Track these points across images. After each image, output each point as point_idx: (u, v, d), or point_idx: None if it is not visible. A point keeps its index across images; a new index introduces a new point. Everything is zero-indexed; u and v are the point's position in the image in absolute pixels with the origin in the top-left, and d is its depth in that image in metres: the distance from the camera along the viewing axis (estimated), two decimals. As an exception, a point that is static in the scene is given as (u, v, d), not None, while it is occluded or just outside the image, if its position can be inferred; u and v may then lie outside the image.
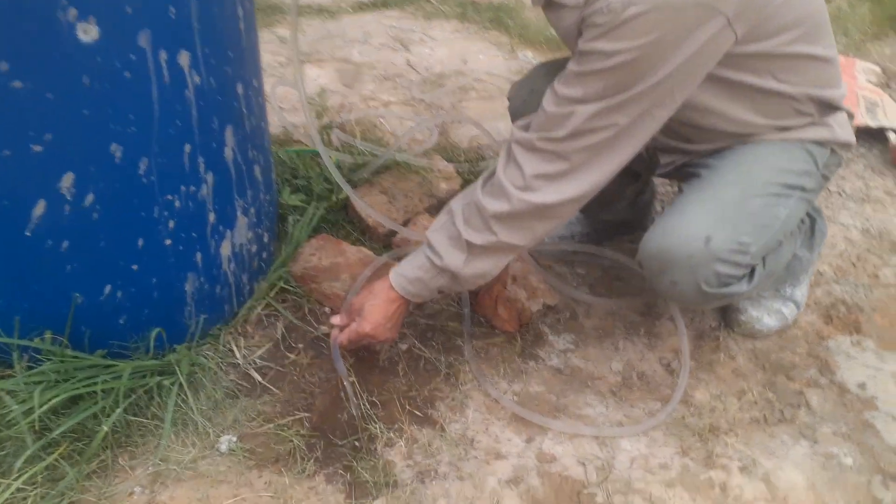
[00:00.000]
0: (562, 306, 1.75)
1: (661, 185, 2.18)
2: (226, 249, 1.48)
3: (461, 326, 1.65)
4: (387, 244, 1.86)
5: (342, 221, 1.89)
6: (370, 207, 1.80)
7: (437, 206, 1.95)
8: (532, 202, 1.29)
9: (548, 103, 1.26)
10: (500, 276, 1.61)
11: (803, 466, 1.40)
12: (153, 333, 1.38)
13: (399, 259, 1.71)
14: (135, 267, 1.33)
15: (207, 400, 1.43)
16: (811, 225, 1.63)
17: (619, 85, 1.18)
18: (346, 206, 1.91)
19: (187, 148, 1.29)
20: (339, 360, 1.46)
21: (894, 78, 2.90)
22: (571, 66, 1.22)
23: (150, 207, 1.29)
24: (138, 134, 1.21)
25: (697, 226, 1.32)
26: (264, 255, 1.63)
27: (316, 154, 1.94)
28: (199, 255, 1.42)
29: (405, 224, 1.87)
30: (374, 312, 1.45)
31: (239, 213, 1.48)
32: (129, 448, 1.35)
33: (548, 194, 1.29)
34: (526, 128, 1.31)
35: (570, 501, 1.32)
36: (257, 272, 1.62)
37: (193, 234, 1.39)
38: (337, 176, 1.75)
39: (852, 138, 1.48)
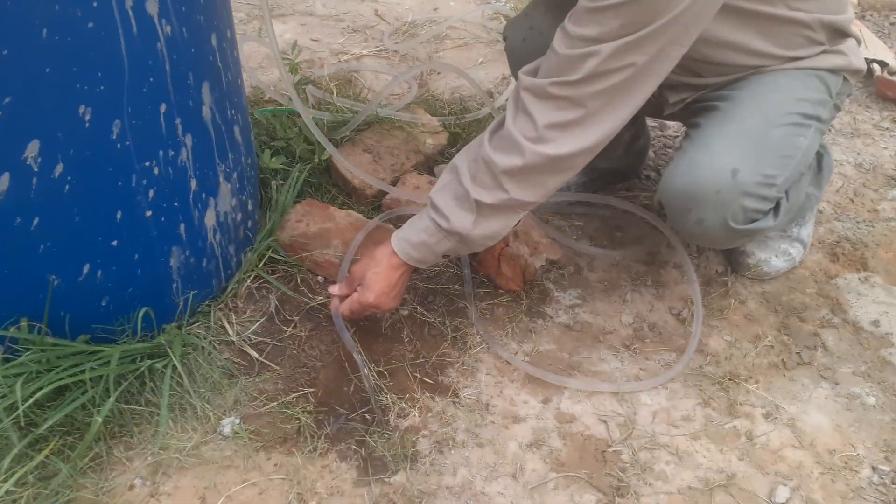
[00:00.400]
0: (564, 261, 1.68)
1: (653, 131, 2.11)
2: (210, 219, 1.37)
3: (463, 288, 1.57)
4: (376, 206, 1.76)
5: (326, 184, 1.78)
6: (357, 168, 1.70)
7: (424, 164, 1.85)
8: (546, 154, 1.21)
9: (559, 45, 1.17)
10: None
11: (827, 409, 1.37)
12: (140, 314, 1.27)
13: (391, 222, 1.62)
14: (114, 243, 1.21)
15: (204, 381, 1.34)
16: (818, 161, 1.58)
17: (637, 22, 1.09)
18: (329, 167, 1.80)
19: (163, 108, 1.17)
20: (345, 332, 1.38)
21: (870, 9, 2.86)
22: (583, 3, 1.13)
23: (127, 176, 1.17)
24: (108, 93, 1.08)
25: (723, 159, 1.26)
26: (249, 223, 1.52)
27: (293, 114, 1.82)
28: (182, 227, 1.31)
29: (393, 184, 1.77)
30: (377, 281, 1.36)
31: (221, 179, 1.37)
32: (124, 438, 1.25)
33: (563, 145, 1.21)
34: (534, 73, 1.22)
35: (596, 461, 1.27)
36: (244, 243, 1.52)
37: (175, 204, 1.27)
38: (319, 135, 1.64)
39: (863, 64, 1.43)
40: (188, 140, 1.24)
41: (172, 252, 1.31)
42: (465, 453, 1.28)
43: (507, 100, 1.29)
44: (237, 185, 1.43)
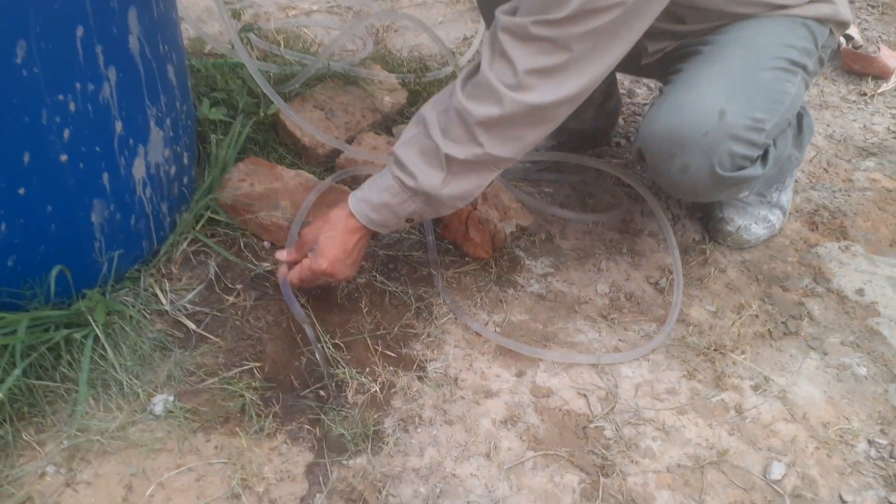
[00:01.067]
0: (534, 228, 1.56)
1: (623, 99, 2.01)
2: (139, 170, 1.19)
3: (427, 256, 1.43)
4: (329, 168, 1.61)
5: (273, 143, 1.62)
6: (307, 123, 1.54)
7: (382, 123, 1.70)
8: (527, 103, 1.08)
9: None
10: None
11: (818, 380, 1.28)
12: (53, 273, 1.09)
13: (346, 183, 1.47)
14: (21, 191, 1.03)
15: (132, 354, 1.16)
16: (799, 121, 1.50)
17: None
18: (275, 124, 1.63)
19: (79, 31, 1.00)
20: (294, 302, 1.22)
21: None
22: None
23: (36, 110, 0.99)
24: (10, 6, 0.91)
25: (710, 100, 1.16)
26: (185, 180, 1.35)
27: (235, 66, 1.65)
28: (105, 176, 1.13)
29: (348, 143, 1.61)
30: (331, 246, 1.21)
31: (152, 125, 1.19)
32: (34, 419, 1.07)
33: (545, 92, 1.08)
34: (513, 12, 1.09)
35: (577, 437, 1.15)
36: (178, 201, 1.34)
37: (97, 149, 1.10)
38: (265, 86, 1.48)
39: (850, 16, 1.35)
40: (111, 73, 1.07)
41: (94, 206, 1.13)
42: (432, 431, 1.14)
43: (476, 50, 1.16)
44: (171, 134, 1.25)
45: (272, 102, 1.57)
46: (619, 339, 1.34)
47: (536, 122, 1.12)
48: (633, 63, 1.44)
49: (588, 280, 1.46)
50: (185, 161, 1.34)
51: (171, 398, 1.12)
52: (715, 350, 1.31)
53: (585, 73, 1.09)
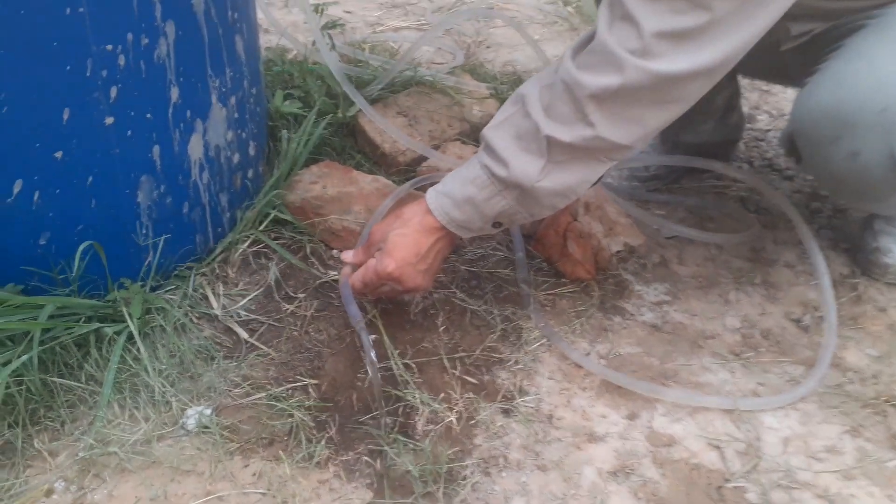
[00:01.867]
0: (645, 250, 1.32)
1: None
2: (195, 149, 1.04)
3: (516, 274, 1.22)
4: (409, 178, 1.43)
5: (350, 150, 1.46)
6: (388, 123, 1.38)
7: (470, 134, 1.53)
8: (654, 71, 0.87)
9: None
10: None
11: None
12: (80, 249, 0.93)
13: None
14: (58, 155, 0.89)
15: (170, 359, 0.99)
16: None
17: None
18: (353, 130, 1.48)
19: (138, -28, 0.87)
20: (352, 302, 1.03)
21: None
22: None
23: (80, 59, 0.86)
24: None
25: (889, 67, 0.92)
26: (250, 173, 1.20)
27: (315, 70, 1.51)
28: (156, 150, 0.99)
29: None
30: (401, 246, 1.02)
31: (214, 99, 1.05)
32: (50, 424, 0.90)
33: (676, 60, 0.87)
34: None
35: (710, 499, 0.89)
36: (241, 196, 1.19)
37: (148, 115, 0.96)
38: (345, 82, 1.34)
39: None
40: (169, 29, 0.93)
41: (141, 183, 0.99)
42: (521, 477, 0.90)
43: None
44: (235, 115, 1.11)
45: (351, 105, 1.43)
46: (758, 383, 1.07)
47: (662, 100, 0.91)
48: (769, 54, 1.21)
49: (713, 312, 1.20)
50: (252, 152, 1.19)
51: (209, 412, 0.93)
52: (886, 402, 1.03)
53: (727, 41, 0.88)
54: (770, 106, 1.91)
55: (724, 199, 1.48)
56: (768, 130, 1.79)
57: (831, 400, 1.04)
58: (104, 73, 0.88)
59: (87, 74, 0.87)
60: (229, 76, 1.07)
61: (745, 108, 1.83)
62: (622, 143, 0.93)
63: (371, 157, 1.46)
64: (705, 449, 0.96)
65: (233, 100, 1.09)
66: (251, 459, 0.89)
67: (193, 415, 0.91)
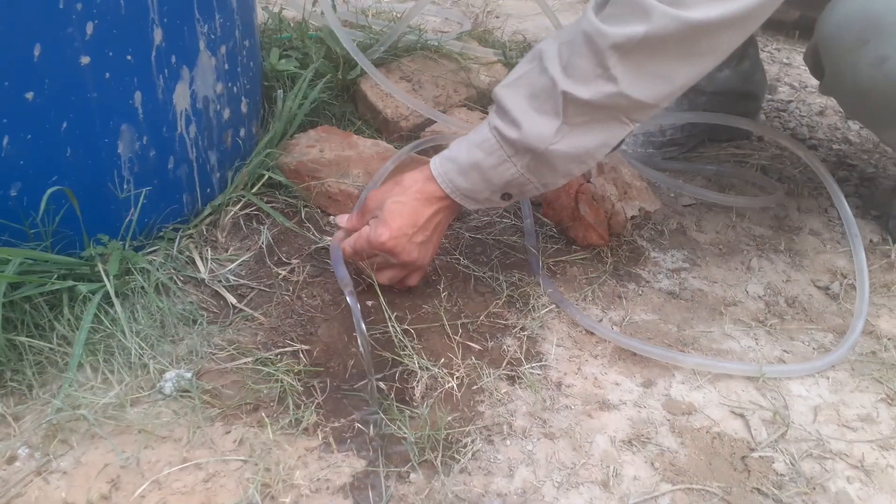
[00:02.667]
0: (660, 217, 1.25)
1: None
2: (181, 99, 0.98)
3: (525, 242, 1.15)
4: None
5: (350, 116, 1.40)
6: (391, 84, 1.31)
7: (478, 100, 1.46)
8: (683, 19, 0.80)
9: None
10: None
11: None
12: (46, 195, 0.86)
13: (433, 153, 1.21)
14: (29, 96, 0.83)
15: (150, 321, 0.92)
16: None
17: None
18: (354, 96, 1.41)
19: None
20: (341, 265, 0.96)
21: None
22: None
23: (52, -9, 0.80)
24: None
25: None
26: (242, 132, 1.13)
27: (314, 36, 1.45)
28: (138, 97, 0.92)
29: (437, 118, 1.37)
30: (397, 215, 0.95)
31: (202, 46, 0.99)
32: (15, 387, 0.84)
33: (708, 7, 0.80)
34: None
35: (734, 470, 0.81)
36: (231, 155, 1.12)
37: (128, 57, 0.89)
38: (348, 43, 1.27)
39: None
40: (152, -36, 0.87)
41: (122, 132, 0.92)
42: (527, 446, 0.83)
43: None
44: (225, 67, 1.05)
45: (352, 68, 1.37)
46: (784, 350, 0.99)
47: (691, 52, 0.84)
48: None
49: (735, 279, 1.13)
50: (244, 109, 1.12)
51: (189, 375, 0.86)
52: (924, 369, 0.95)
53: None
54: (791, 78, 1.83)
55: (745, 167, 1.40)
56: (790, 101, 1.71)
57: (864, 368, 0.96)
58: (78, 5, 0.82)
59: (60, 6, 0.80)
60: (219, 23, 1.01)
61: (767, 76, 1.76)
62: (646, 100, 0.86)
63: (372, 124, 1.40)
64: (728, 417, 0.88)
65: (223, 49, 1.03)
66: (233, 426, 0.82)
67: (172, 378, 0.84)
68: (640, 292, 1.09)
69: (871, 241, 1.22)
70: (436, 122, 1.34)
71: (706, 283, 1.11)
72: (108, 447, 0.78)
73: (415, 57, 1.47)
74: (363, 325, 0.87)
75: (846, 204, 1.12)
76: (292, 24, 1.42)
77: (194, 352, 0.90)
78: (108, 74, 0.88)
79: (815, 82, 1.82)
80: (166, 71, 0.94)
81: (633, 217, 1.17)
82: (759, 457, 0.83)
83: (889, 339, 1.01)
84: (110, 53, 0.87)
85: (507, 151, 0.90)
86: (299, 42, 1.36)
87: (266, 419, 0.82)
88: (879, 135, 1.13)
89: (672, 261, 1.16)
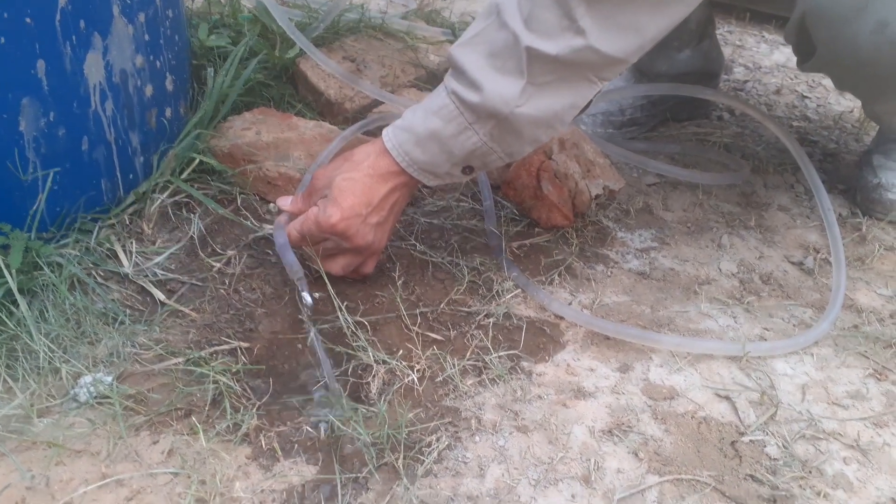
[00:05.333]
0: (625, 196, 1.18)
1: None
2: (94, 71, 0.87)
3: (484, 225, 1.07)
4: (360, 128, 1.27)
5: (290, 98, 1.29)
6: (335, 65, 1.22)
7: (427, 79, 1.37)
8: None
9: None
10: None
11: None
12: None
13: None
14: None
15: (63, 321, 0.80)
16: None
17: None
18: (294, 77, 1.31)
19: None
20: (288, 250, 0.86)
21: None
22: None
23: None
24: None
25: None
26: (168, 112, 1.02)
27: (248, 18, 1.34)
28: (41, 66, 0.81)
29: (385, 99, 1.28)
30: (348, 193, 0.85)
31: (116, 11, 0.88)
32: None
33: None
34: None
35: (725, 456, 0.74)
36: (157, 138, 1.01)
37: (27, 19, 0.78)
38: (283, 21, 1.17)
39: None
40: (53, -88, 0.76)
41: (23, 106, 0.81)
42: (498, 441, 0.74)
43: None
44: (146, 37, 0.94)
45: (290, 47, 1.27)
46: (764, 328, 0.93)
47: (661, 1, 0.77)
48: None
49: (706, 257, 1.06)
50: (169, 87, 1.01)
51: (109, 379, 0.75)
52: (910, 341, 0.90)
53: None
54: (745, 59, 1.80)
55: (708, 146, 1.35)
56: (746, 81, 1.68)
57: (848, 343, 0.91)
58: (-39, -44, 0.70)
59: (-62, -44, 0.69)
60: (135, -13, 0.90)
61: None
62: (616, 55, 0.78)
63: (315, 107, 1.30)
64: (713, 400, 0.81)
65: (141, 17, 0.92)
66: (161, 434, 0.71)
67: (88, 383, 0.73)
68: (608, 273, 1.02)
69: (839, 214, 1.18)
70: (384, 102, 1.25)
71: (677, 261, 1.05)
72: (10, 466, 0.66)
73: (359, 37, 1.38)
74: (309, 297, 0.78)
75: (817, 176, 1.07)
76: (223, 2, 1.31)
77: (115, 353, 0.79)
78: (2, 39, 0.76)
79: (768, 63, 1.80)
80: (74, 38, 0.83)
81: (597, 196, 1.10)
82: (750, 441, 0.76)
83: (871, 312, 0.96)
84: (4, 15, 0.75)
85: (467, 118, 0.82)
86: (231, 20, 1.25)
87: (199, 425, 0.71)
88: (874, 106, 1.08)
89: (640, 240, 1.09)
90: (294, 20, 1.33)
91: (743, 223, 1.14)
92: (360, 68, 1.32)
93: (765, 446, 0.75)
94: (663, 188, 1.22)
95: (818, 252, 1.09)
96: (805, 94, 1.64)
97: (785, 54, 1.85)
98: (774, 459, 0.74)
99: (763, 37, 1.94)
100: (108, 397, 0.73)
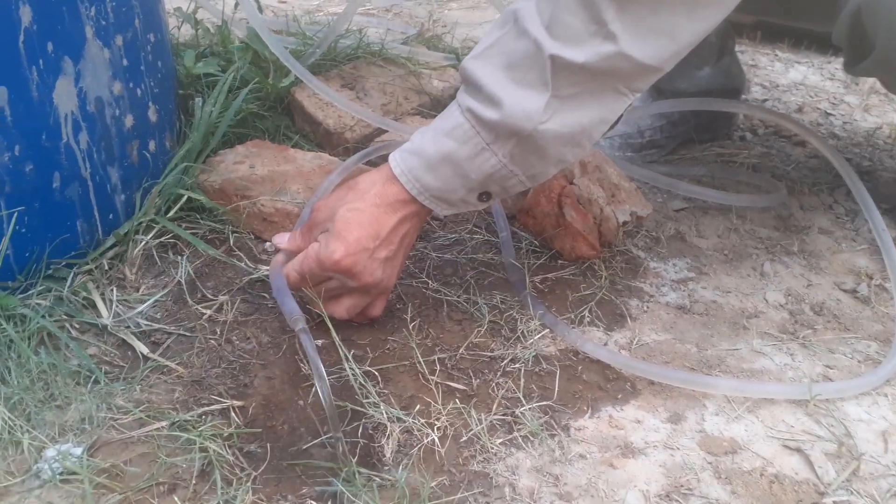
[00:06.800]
0: (652, 223, 1.08)
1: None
2: (66, 98, 0.77)
3: (502, 257, 0.97)
4: (362, 158, 1.18)
5: (286, 131, 1.20)
6: (334, 93, 1.13)
7: (431, 106, 1.28)
8: None
9: None
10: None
11: None
12: None
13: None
14: None
15: (29, 383, 0.69)
16: None
17: None
18: (290, 107, 1.22)
19: None
20: (288, 295, 0.75)
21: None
22: None
23: None
24: None
25: None
26: (151, 145, 0.93)
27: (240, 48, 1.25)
28: (3, 92, 0.71)
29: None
30: (354, 225, 0.76)
31: (89, 34, 0.79)
32: None
33: None
34: None
35: (807, 523, 0.63)
36: (139, 172, 0.91)
37: (-14, 39, 0.69)
38: (276, 47, 1.09)
39: None
40: (14, -80, 0.67)
41: (-18, 138, 0.71)
42: (538, 513, 0.63)
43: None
44: (124, 62, 0.85)
45: (286, 75, 1.18)
46: (826, 366, 0.83)
47: (696, 2, 0.69)
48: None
49: (749, 287, 0.96)
50: (152, 117, 0.92)
51: (79, 451, 0.64)
52: None
53: None
54: (760, 79, 1.73)
55: (734, 167, 1.26)
56: (765, 100, 1.60)
57: (926, 380, 0.80)
58: None
59: None
60: (111, 6, 0.81)
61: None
62: (649, 62, 0.70)
63: (313, 138, 1.21)
64: (781, 453, 0.70)
65: (119, 40, 0.83)
66: (139, 516, 0.60)
67: (53, 456, 0.62)
68: (645, 309, 0.91)
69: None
70: (387, 131, 1.16)
71: (718, 293, 0.95)
72: (-46, 566, 0.55)
73: (357, 63, 1.30)
74: (322, 368, 0.66)
75: (867, 195, 0.98)
76: (212, 31, 1.23)
77: (88, 419, 0.68)
78: (-43, 61, 0.67)
79: (785, 81, 1.72)
80: (41, 61, 0.73)
81: (624, 223, 1.00)
82: (833, 503, 0.65)
83: (943, 344, 0.85)
84: (-41, 33, 0.66)
85: (485, 138, 0.72)
86: (220, 48, 1.16)
87: (185, 503, 0.60)
88: None
89: (675, 271, 0.99)
90: (288, 48, 1.24)
91: (784, 249, 1.04)
92: (359, 96, 1.23)
93: (851, 508, 0.64)
94: (693, 213, 1.13)
95: (871, 278, 0.99)
96: (829, 111, 1.56)
97: (801, 72, 1.78)
98: (866, 524, 0.63)
99: (776, 55, 1.87)
100: (76, 473, 0.62)
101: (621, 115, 0.76)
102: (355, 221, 0.76)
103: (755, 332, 0.87)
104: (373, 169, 0.82)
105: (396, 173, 0.77)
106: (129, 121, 0.87)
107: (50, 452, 0.62)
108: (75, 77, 0.78)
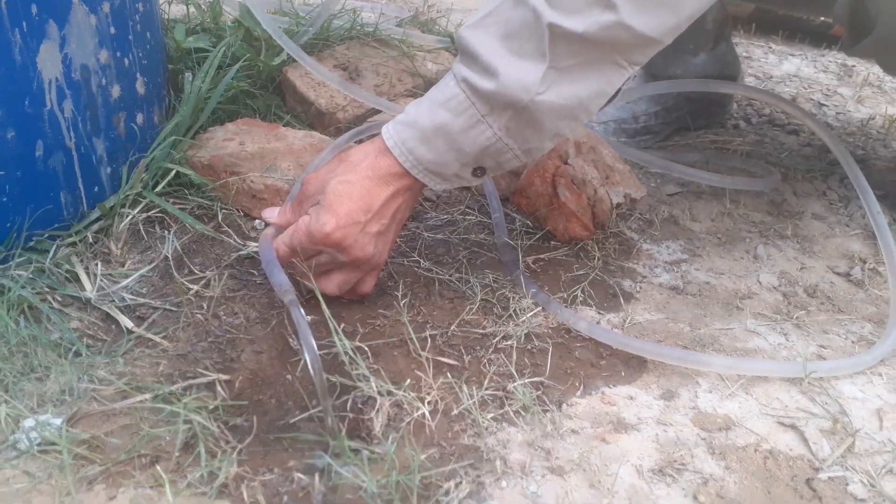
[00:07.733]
0: (646, 206, 1.08)
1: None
2: (50, 64, 0.75)
3: (495, 238, 0.95)
4: (353, 139, 1.16)
5: (277, 110, 1.19)
6: (327, 72, 1.12)
7: (424, 88, 1.27)
8: None
9: None
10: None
11: None
12: None
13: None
14: None
15: (7, 353, 0.68)
16: None
17: None
18: (281, 87, 1.21)
19: None
20: (277, 267, 0.74)
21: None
22: None
23: None
24: None
25: None
26: (139, 117, 0.91)
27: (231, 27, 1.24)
28: (-15, 55, 0.69)
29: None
30: (345, 198, 0.74)
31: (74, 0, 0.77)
32: None
33: None
34: None
35: (801, 498, 0.62)
36: (126, 145, 0.90)
37: (-32, -1, 0.67)
38: (269, 24, 1.07)
39: None
40: None
41: (-37, 102, 0.69)
42: (529, 487, 0.62)
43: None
44: (112, 30, 0.83)
45: (278, 54, 1.17)
46: (820, 346, 0.82)
47: None
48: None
49: (743, 270, 0.95)
50: (140, 89, 0.90)
51: (58, 421, 0.62)
52: None
53: None
54: (754, 70, 1.73)
55: (728, 153, 1.26)
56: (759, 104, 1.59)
57: (920, 360, 0.79)
58: None
59: None
60: (97, -29, 0.79)
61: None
62: (650, 33, 0.68)
63: (304, 119, 1.19)
64: (776, 430, 0.69)
65: (105, 6, 0.81)
66: (120, 488, 0.58)
67: (31, 427, 0.60)
68: (638, 289, 0.90)
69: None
70: (380, 111, 1.14)
71: (712, 275, 0.94)
72: (-73, 534, 0.53)
73: (350, 44, 1.28)
74: (312, 339, 0.65)
75: (863, 178, 0.97)
76: (203, 7, 1.21)
77: (68, 390, 0.66)
78: (-63, 20, 0.65)
79: (779, 73, 1.72)
80: (24, 24, 0.72)
81: (618, 205, 0.99)
82: (829, 478, 0.64)
83: (937, 326, 0.85)
84: (-61, -9, 0.64)
85: (480, 109, 0.71)
86: (211, 24, 1.15)
87: (167, 476, 0.58)
88: None
89: (668, 253, 0.98)
90: (281, 27, 1.23)
91: (778, 233, 1.04)
92: (352, 77, 1.22)
93: (847, 484, 0.63)
94: (686, 198, 1.12)
95: (865, 262, 0.98)
96: (822, 102, 1.56)
97: (795, 64, 1.78)
98: (861, 501, 0.62)
99: (770, 47, 1.87)
100: (54, 444, 0.60)
101: (619, 90, 0.75)
102: (346, 194, 0.75)
103: (749, 312, 0.87)
104: (363, 144, 0.81)
105: (389, 145, 0.75)
106: (115, 91, 0.85)
107: (28, 423, 0.61)
108: (60, 42, 0.76)
